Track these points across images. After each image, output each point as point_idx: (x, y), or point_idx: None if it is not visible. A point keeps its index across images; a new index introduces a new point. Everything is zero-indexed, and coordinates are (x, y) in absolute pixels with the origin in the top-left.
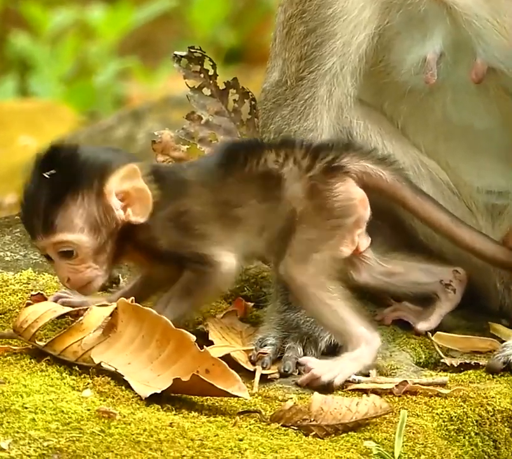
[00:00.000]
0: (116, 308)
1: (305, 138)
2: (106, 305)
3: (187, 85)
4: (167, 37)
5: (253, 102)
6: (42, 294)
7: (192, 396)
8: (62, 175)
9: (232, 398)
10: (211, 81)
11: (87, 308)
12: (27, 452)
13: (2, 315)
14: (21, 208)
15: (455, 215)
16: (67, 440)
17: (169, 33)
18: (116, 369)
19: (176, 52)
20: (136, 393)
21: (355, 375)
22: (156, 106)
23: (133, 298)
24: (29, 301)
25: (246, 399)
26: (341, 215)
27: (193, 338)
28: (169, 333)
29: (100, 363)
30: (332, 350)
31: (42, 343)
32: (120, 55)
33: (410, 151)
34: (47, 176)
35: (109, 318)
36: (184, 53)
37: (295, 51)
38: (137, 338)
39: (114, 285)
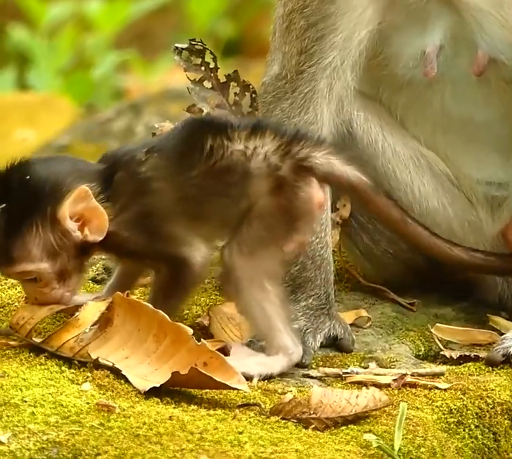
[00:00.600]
0: (111, 303)
1: (278, 126)
2: (101, 300)
3: (188, 77)
4: (165, 30)
5: (253, 95)
6: None
7: (191, 390)
8: (13, 207)
9: (231, 391)
10: (212, 74)
11: (83, 304)
12: (27, 445)
13: (1, 309)
14: None
15: (410, 216)
16: (67, 433)
17: (166, 26)
18: (113, 364)
19: (177, 45)
20: (135, 387)
21: (353, 368)
22: (154, 99)
23: (128, 292)
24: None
25: (245, 392)
26: (298, 217)
27: (190, 331)
28: (166, 327)
29: (97, 359)
30: (331, 343)
31: (39, 340)
32: (117, 48)
33: (410, 143)
34: None
35: (105, 312)
36: (185, 46)
37: (296, 45)
38: (134, 332)
39: (109, 275)
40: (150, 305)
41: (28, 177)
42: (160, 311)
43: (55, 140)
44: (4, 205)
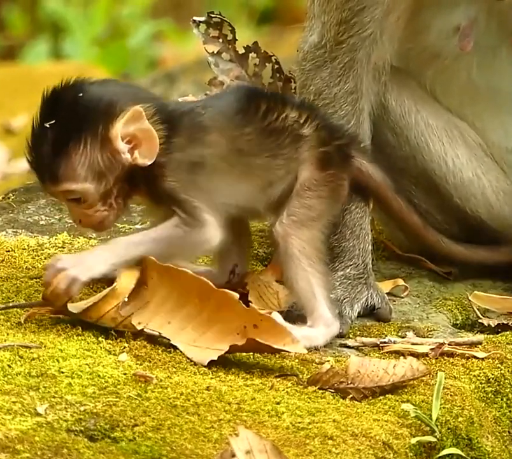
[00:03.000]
0: (144, 267)
1: (326, 117)
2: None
3: (206, 50)
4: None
5: (276, 66)
6: None
7: (229, 360)
8: (64, 123)
9: (269, 361)
10: (230, 46)
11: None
12: (64, 416)
13: (38, 280)
14: (28, 155)
15: (424, 221)
16: (104, 404)
17: None
18: (160, 334)
19: (194, 18)
20: (173, 357)
21: (390, 337)
22: (189, 68)
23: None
24: None
25: (303, 353)
26: (336, 197)
27: (237, 295)
28: (209, 292)
29: (142, 329)
30: (369, 312)
31: (76, 311)
32: (152, 17)
33: (442, 114)
34: (48, 126)
35: (139, 277)
36: (203, 19)
37: (335, 15)
38: (172, 296)
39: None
40: (189, 271)
41: (81, 94)
42: (202, 278)
43: None
44: (53, 121)
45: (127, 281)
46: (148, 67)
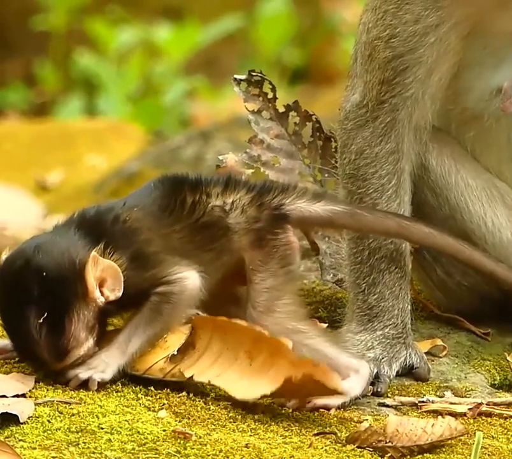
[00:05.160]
0: (192, 327)
1: (246, 180)
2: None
3: (246, 108)
4: (232, 57)
5: (317, 125)
6: None
7: (267, 417)
8: (40, 298)
9: (307, 419)
10: (270, 104)
11: None
12: None
13: None
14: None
15: (402, 216)
16: None
17: (234, 52)
18: (209, 381)
19: (235, 76)
20: (212, 414)
21: (429, 396)
22: (223, 126)
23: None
24: None
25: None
26: (288, 262)
27: (290, 344)
28: (261, 342)
29: (192, 376)
30: (407, 372)
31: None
32: (185, 74)
33: (482, 174)
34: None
35: (188, 336)
36: (244, 77)
37: (377, 74)
38: (223, 352)
39: None
40: (243, 322)
41: (44, 273)
42: (257, 328)
43: (126, 166)
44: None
45: (178, 335)
46: (180, 124)
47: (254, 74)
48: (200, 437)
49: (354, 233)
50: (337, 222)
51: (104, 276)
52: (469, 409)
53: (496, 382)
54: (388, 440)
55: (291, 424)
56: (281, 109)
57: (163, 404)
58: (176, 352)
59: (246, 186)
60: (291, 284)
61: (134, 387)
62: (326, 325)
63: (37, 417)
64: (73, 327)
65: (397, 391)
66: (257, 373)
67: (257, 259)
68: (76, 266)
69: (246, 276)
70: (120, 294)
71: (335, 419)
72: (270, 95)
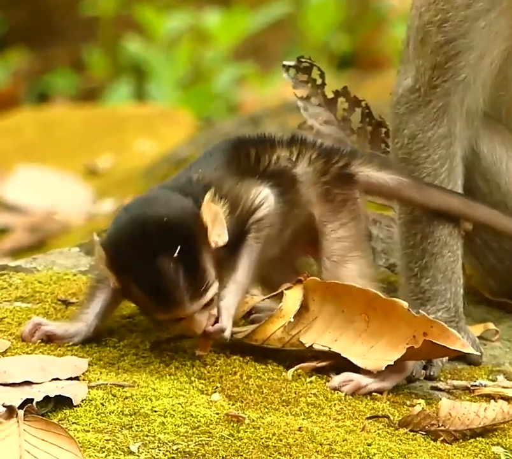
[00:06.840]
0: (305, 290)
1: (318, 141)
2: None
3: (295, 94)
4: (281, 43)
5: (366, 110)
6: None
7: (320, 401)
8: (170, 240)
9: (360, 402)
10: (319, 91)
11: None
12: (157, 455)
13: None
14: (153, 291)
15: (464, 195)
16: (197, 443)
17: (282, 39)
18: (329, 348)
19: (285, 62)
20: (265, 397)
21: (481, 380)
22: (273, 112)
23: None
24: None
25: (478, 354)
26: (357, 216)
27: (406, 304)
28: (376, 303)
29: (312, 345)
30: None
31: (240, 336)
32: (234, 61)
33: None
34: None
35: (302, 300)
36: (292, 63)
37: (430, 59)
38: (338, 314)
39: None
40: (357, 284)
41: (165, 219)
42: (370, 289)
43: (175, 152)
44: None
45: (292, 301)
46: (229, 110)
47: (303, 60)
48: (253, 420)
49: (415, 206)
50: (403, 193)
51: (211, 222)
52: None
53: None
54: (440, 424)
55: (344, 408)
56: (330, 95)
57: (216, 387)
58: (292, 319)
59: (313, 143)
60: (361, 239)
61: (187, 371)
62: None
63: (91, 400)
64: (207, 265)
65: (449, 375)
66: (375, 337)
67: (327, 211)
68: (195, 211)
69: (318, 230)
70: (226, 239)
71: (388, 402)
72: (319, 82)
